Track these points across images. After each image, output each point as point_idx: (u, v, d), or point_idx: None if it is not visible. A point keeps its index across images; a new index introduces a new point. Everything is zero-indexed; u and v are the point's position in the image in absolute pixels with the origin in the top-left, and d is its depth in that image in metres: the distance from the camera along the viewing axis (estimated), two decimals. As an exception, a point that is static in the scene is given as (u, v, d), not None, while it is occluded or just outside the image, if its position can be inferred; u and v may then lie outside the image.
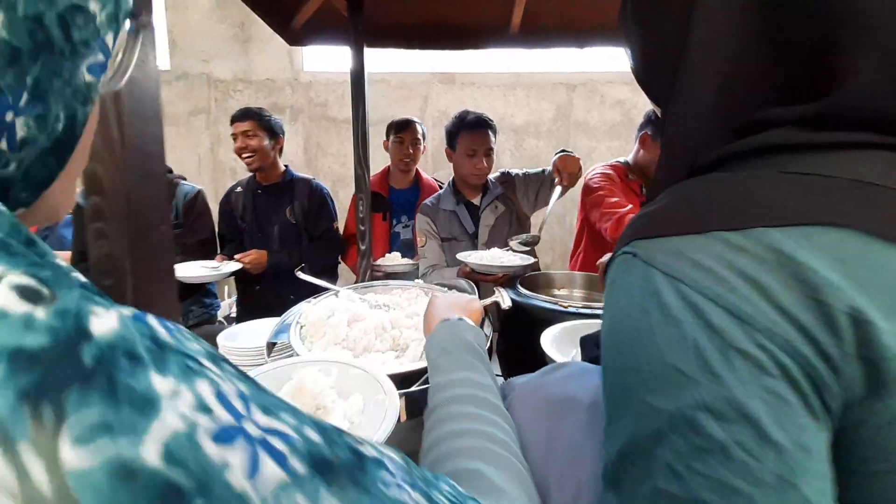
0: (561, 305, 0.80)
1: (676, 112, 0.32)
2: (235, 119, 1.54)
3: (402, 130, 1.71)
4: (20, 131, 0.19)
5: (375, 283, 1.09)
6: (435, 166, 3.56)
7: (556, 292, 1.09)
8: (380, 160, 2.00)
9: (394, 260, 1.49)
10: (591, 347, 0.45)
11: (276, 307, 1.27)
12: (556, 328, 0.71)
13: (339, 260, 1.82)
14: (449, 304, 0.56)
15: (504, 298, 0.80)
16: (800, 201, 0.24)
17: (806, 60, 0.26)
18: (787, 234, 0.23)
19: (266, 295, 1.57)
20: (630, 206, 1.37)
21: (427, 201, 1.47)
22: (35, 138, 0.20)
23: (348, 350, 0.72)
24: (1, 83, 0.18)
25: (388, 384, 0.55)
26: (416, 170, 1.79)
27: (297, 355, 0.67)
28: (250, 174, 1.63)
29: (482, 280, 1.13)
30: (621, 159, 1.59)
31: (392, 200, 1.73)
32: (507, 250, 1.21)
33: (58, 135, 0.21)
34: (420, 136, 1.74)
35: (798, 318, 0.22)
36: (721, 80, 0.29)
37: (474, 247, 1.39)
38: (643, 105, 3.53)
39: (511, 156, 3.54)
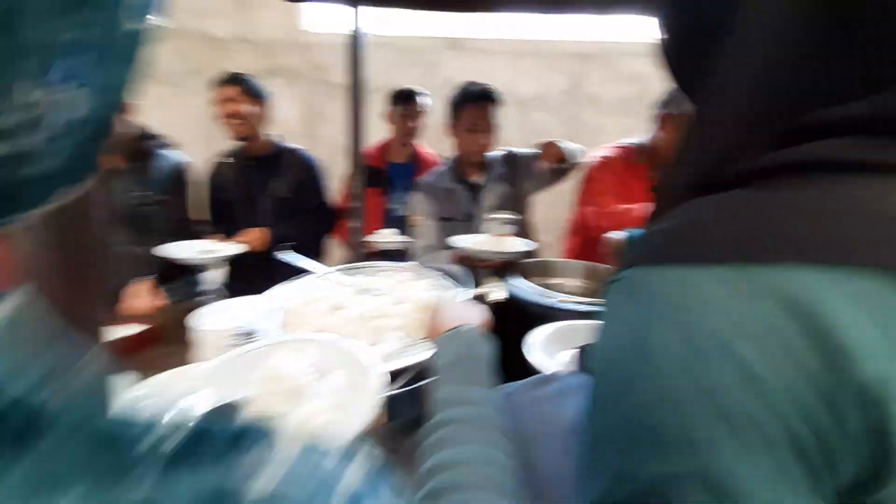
0: (559, 300, 0.76)
1: (707, 104, 0.26)
2: (220, 84, 1.45)
3: (407, 102, 1.63)
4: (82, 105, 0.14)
5: (365, 264, 1.04)
6: (438, 134, 3.45)
7: (553, 282, 1.04)
8: (381, 131, 1.91)
9: (387, 237, 1.44)
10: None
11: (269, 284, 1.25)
12: (547, 329, 0.67)
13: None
14: (461, 311, 0.52)
15: (498, 289, 0.76)
16: (843, 236, 0.20)
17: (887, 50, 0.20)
18: (821, 276, 0.19)
19: (258, 271, 1.51)
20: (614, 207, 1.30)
21: (425, 177, 1.40)
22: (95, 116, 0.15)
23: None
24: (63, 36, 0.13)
25: (367, 360, 0.53)
26: (416, 144, 1.71)
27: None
28: (238, 145, 1.55)
29: (478, 266, 1.09)
30: (634, 140, 1.48)
31: (390, 175, 1.66)
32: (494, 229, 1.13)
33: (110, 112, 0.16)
34: (424, 110, 1.66)
35: (819, 381, 0.18)
36: (769, 71, 0.23)
37: (472, 230, 1.33)
38: (662, 80, 3.36)
39: (518, 130, 3.40)
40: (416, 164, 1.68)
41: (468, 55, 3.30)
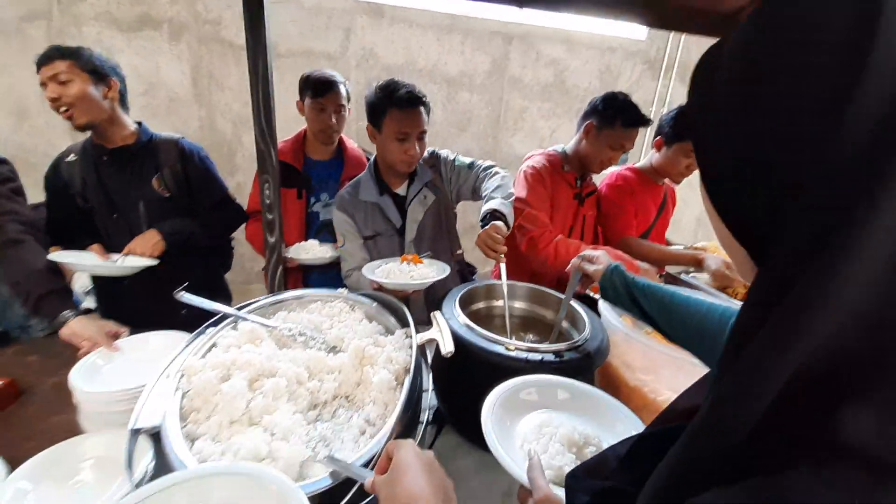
0: (506, 348, 0.71)
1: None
2: (40, 63, 1.08)
3: (323, 93, 1.35)
4: None
5: (288, 295, 0.89)
6: (359, 114, 3.17)
7: (495, 306, 0.99)
8: (292, 106, 1.63)
9: (310, 250, 1.26)
10: (579, 495, 0.36)
11: (154, 310, 1.01)
12: (499, 392, 0.61)
13: (232, 248, 1.51)
14: (416, 485, 0.39)
15: (444, 338, 0.68)
16: None
17: None
18: None
19: (138, 293, 1.21)
20: (548, 232, 1.32)
21: (344, 192, 1.21)
22: None
23: (252, 426, 0.56)
24: None
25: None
26: (340, 137, 1.49)
27: (176, 459, 0.48)
28: (86, 136, 1.19)
29: (401, 295, 1.00)
30: (559, 147, 1.49)
31: (310, 174, 1.41)
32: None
33: None
34: (344, 102, 1.40)
35: None
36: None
37: (402, 244, 1.22)
38: (576, 66, 3.46)
39: (443, 109, 3.28)
40: (341, 159, 1.46)
41: (389, 24, 3.01)
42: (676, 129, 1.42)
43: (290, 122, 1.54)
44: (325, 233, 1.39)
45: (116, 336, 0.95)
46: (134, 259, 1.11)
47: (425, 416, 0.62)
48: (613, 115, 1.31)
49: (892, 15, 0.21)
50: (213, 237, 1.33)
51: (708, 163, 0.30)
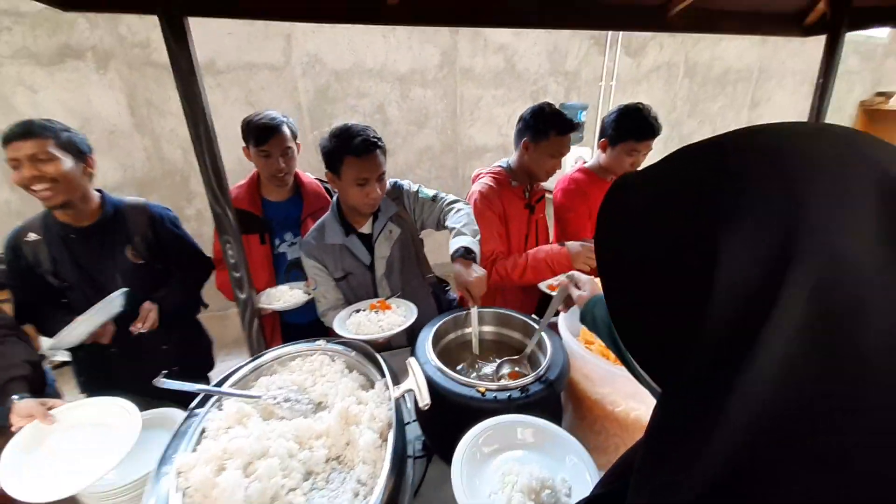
0: (478, 391, 0.78)
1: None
2: (10, 139, 1.02)
3: (266, 140, 1.32)
4: None
5: (266, 358, 0.92)
6: (313, 124, 3.09)
7: (467, 331, 1.06)
8: (235, 118, 1.57)
9: (282, 296, 1.28)
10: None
11: (141, 373, 1.02)
12: (464, 445, 0.68)
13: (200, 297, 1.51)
14: None
15: (421, 390, 0.75)
16: None
17: None
18: None
19: (123, 359, 1.24)
20: (501, 253, 1.42)
21: (309, 238, 1.22)
22: None
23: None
24: None
25: None
26: (296, 173, 1.47)
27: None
28: (44, 211, 1.16)
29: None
30: (503, 163, 1.55)
31: (269, 217, 1.41)
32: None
33: None
34: (291, 143, 1.37)
35: None
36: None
37: (373, 279, 1.26)
38: (523, 50, 3.47)
39: (398, 107, 3.25)
40: (300, 198, 1.46)
41: (330, 26, 2.92)
42: (618, 131, 1.50)
43: (237, 140, 1.50)
44: (294, 272, 1.41)
45: (51, 407, 0.93)
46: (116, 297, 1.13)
47: (412, 452, 0.68)
48: (545, 128, 1.38)
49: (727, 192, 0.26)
50: (190, 295, 1.37)
51: (613, 303, 0.35)
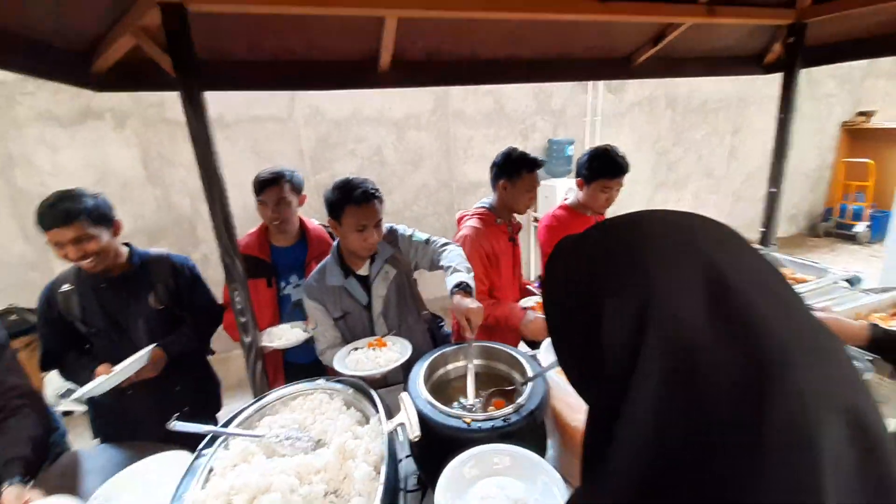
0: (465, 422, 0.84)
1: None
2: (52, 225, 1.12)
3: (262, 191, 1.46)
4: None
5: (269, 398, 0.99)
6: (314, 168, 3.27)
7: (459, 365, 1.12)
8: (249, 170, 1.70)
9: (283, 335, 1.36)
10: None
11: (156, 415, 1.03)
12: (447, 476, 0.75)
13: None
14: None
15: (411, 423, 0.81)
16: None
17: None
18: None
19: (139, 401, 1.32)
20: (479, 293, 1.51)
21: (311, 280, 1.32)
22: None
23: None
24: None
25: None
26: (300, 219, 1.58)
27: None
28: (74, 265, 1.28)
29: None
30: (485, 203, 1.68)
31: (276, 262, 1.52)
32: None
33: None
34: (288, 194, 1.48)
35: None
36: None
37: (370, 318, 1.34)
38: (511, 92, 3.69)
39: (394, 149, 3.43)
40: (305, 243, 1.56)
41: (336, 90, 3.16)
42: (591, 171, 1.62)
43: (243, 187, 1.62)
44: (296, 311, 1.49)
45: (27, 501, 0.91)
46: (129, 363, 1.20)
47: (405, 486, 0.74)
48: (518, 168, 1.53)
49: (609, 275, 0.35)
50: (203, 339, 1.46)
51: (552, 339, 0.43)
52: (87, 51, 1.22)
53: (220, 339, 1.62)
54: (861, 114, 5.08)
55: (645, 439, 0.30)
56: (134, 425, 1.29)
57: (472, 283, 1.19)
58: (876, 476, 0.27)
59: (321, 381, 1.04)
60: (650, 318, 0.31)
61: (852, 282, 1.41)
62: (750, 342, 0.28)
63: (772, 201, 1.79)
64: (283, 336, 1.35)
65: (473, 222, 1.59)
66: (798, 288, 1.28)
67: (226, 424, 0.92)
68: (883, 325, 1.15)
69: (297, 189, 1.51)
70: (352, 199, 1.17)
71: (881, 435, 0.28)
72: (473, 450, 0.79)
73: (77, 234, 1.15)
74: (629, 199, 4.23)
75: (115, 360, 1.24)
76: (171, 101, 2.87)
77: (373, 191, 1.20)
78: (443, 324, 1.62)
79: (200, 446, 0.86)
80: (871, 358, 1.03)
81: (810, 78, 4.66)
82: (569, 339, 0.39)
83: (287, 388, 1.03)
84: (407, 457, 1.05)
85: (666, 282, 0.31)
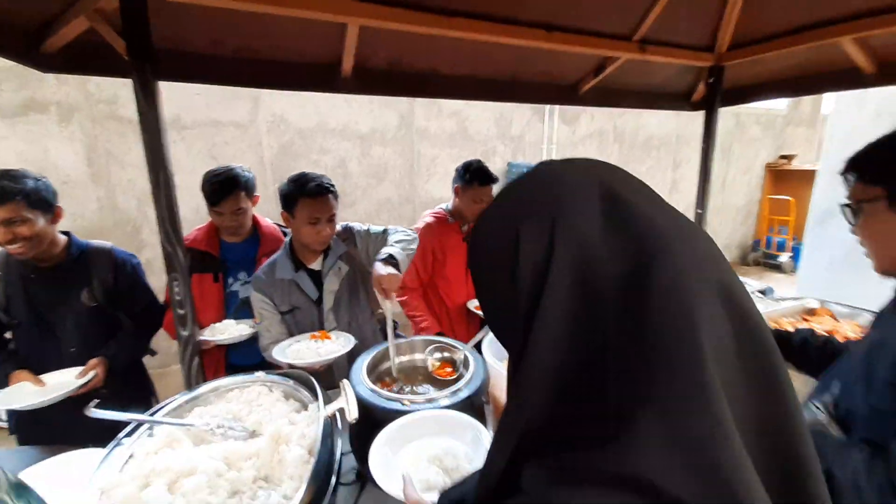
0: (403, 404, 0.86)
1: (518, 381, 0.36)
2: None
3: (217, 202, 1.39)
4: None
5: (202, 390, 0.96)
6: (275, 177, 3.22)
7: (404, 359, 1.14)
8: (198, 169, 1.67)
9: (225, 329, 1.31)
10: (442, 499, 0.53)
11: (80, 419, 1.00)
12: (383, 435, 0.77)
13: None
14: None
15: (350, 407, 0.81)
16: None
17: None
18: None
19: (62, 406, 1.20)
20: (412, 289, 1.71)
21: (260, 273, 1.31)
22: None
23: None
24: None
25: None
26: (253, 216, 1.56)
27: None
28: (2, 249, 1.19)
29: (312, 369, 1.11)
30: (444, 206, 1.86)
31: (225, 257, 1.47)
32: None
33: None
34: (245, 202, 1.44)
35: None
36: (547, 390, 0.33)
37: (320, 314, 1.33)
38: (474, 116, 3.87)
39: (359, 163, 3.47)
40: (257, 239, 1.53)
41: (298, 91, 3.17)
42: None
43: (195, 191, 1.58)
44: (244, 310, 1.45)
45: None
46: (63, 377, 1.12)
47: (335, 479, 0.73)
48: (470, 178, 1.67)
49: (527, 237, 0.38)
50: (140, 346, 1.39)
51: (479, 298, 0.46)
52: (39, 30, 1.18)
53: (158, 355, 1.54)
54: (783, 157, 5.74)
55: (556, 342, 0.32)
56: (57, 430, 1.17)
57: (400, 256, 1.23)
58: (749, 342, 0.30)
59: (260, 374, 1.02)
60: (557, 233, 0.34)
61: (765, 293, 1.59)
62: (635, 234, 0.33)
63: (699, 221, 1.97)
64: (226, 331, 1.31)
65: (427, 219, 1.68)
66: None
67: (152, 415, 0.87)
68: (790, 328, 1.30)
69: (251, 192, 1.49)
70: (306, 191, 1.19)
71: (751, 308, 0.32)
72: (410, 415, 0.81)
73: (9, 214, 1.08)
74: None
75: (38, 358, 1.15)
76: (124, 99, 2.77)
77: (328, 185, 1.22)
78: (398, 326, 1.63)
79: (121, 435, 0.81)
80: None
81: (739, 122, 5.24)
82: (490, 276, 0.42)
83: (222, 380, 1.00)
84: (347, 452, 1.04)
85: (570, 202, 0.36)
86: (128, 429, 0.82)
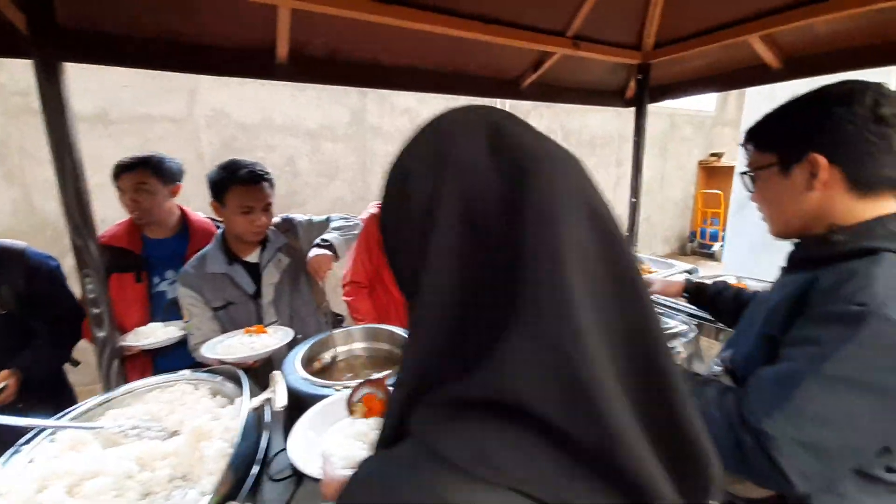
0: (335, 390, 0.84)
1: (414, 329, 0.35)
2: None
3: (118, 177, 1.31)
4: None
5: (118, 391, 0.88)
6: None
7: (340, 350, 1.11)
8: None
9: (151, 333, 1.22)
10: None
11: None
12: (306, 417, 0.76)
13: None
14: None
15: (278, 395, 0.78)
16: None
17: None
18: None
19: None
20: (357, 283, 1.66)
21: (188, 267, 1.22)
22: None
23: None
24: None
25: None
26: (182, 210, 1.46)
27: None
28: None
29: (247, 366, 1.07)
30: None
31: (149, 254, 1.36)
32: None
33: None
34: (151, 181, 1.33)
35: None
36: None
37: (258, 308, 1.27)
38: (427, 114, 3.87)
39: (309, 160, 3.36)
40: (186, 235, 1.43)
41: (238, 84, 3.02)
42: None
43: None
44: (173, 310, 1.36)
45: None
46: None
47: (257, 469, 0.70)
48: None
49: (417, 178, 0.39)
50: (59, 357, 1.28)
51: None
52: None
53: (82, 370, 1.41)
54: (713, 154, 6.23)
55: (444, 278, 0.32)
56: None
57: (337, 242, 1.21)
58: (615, 262, 0.31)
59: (185, 372, 0.96)
60: (444, 167, 0.34)
61: (691, 272, 1.71)
62: (513, 157, 0.33)
63: (633, 209, 2.09)
64: (151, 335, 1.21)
65: (372, 209, 1.62)
66: (651, 276, 1.51)
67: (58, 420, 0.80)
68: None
69: (167, 177, 1.39)
70: (237, 178, 1.13)
71: (618, 232, 0.33)
72: (333, 397, 0.80)
73: None
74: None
75: None
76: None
77: (262, 172, 1.17)
78: (343, 321, 1.59)
79: (20, 441, 0.73)
80: (697, 323, 1.25)
81: (673, 123, 5.62)
82: (391, 225, 0.41)
83: (141, 381, 0.93)
84: (282, 451, 1.00)
85: (456, 136, 0.36)
86: (28, 435, 0.74)
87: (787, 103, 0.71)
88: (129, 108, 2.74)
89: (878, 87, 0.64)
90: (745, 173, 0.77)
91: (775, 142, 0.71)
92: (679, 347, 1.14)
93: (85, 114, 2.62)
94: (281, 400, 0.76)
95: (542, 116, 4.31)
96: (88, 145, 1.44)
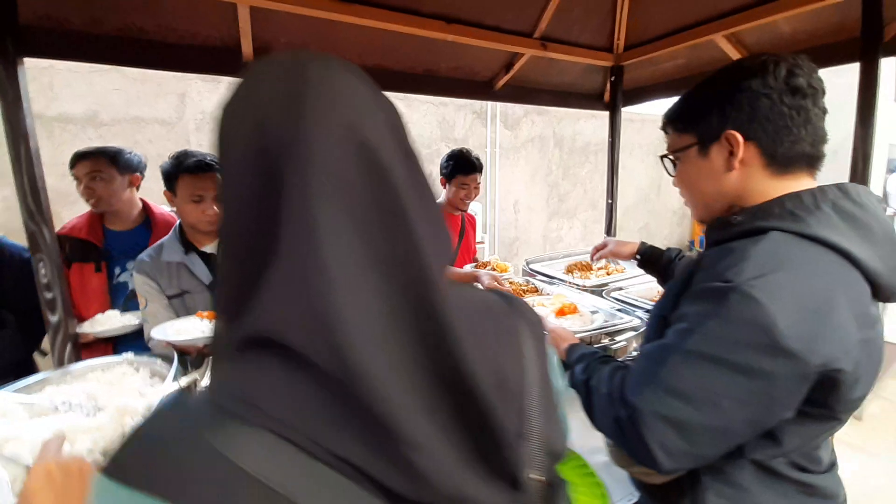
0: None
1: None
2: None
3: (74, 164, 1.37)
4: None
5: (59, 370, 0.90)
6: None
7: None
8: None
9: (107, 321, 1.23)
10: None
11: None
12: None
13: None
14: None
15: (206, 375, 0.79)
16: None
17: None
18: None
19: None
20: None
21: (144, 255, 1.24)
22: None
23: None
24: None
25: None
26: (144, 203, 1.49)
27: None
28: None
29: (193, 351, 1.07)
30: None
31: (110, 246, 1.39)
32: None
33: None
34: (106, 169, 1.37)
35: None
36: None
37: (214, 298, 1.28)
38: (416, 119, 3.92)
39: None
40: (148, 227, 1.47)
41: (227, 88, 3.09)
42: (449, 169, 1.84)
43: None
44: (133, 302, 1.37)
45: None
46: None
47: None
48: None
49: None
50: (30, 344, 1.29)
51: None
52: None
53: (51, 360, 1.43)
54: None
55: (234, 230, 0.33)
56: None
57: None
58: (384, 195, 0.30)
59: (128, 355, 0.97)
60: (240, 109, 0.33)
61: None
62: (292, 88, 0.32)
63: (609, 211, 2.09)
64: (107, 322, 1.23)
65: None
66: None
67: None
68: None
69: (123, 167, 1.42)
70: (184, 167, 1.15)
71: (393, 165, 0.31)
72: None
73: None
74: (528, 225, 4.61)
75: None
76: (33, 92, 2.59)
77: (211, 161, 1.19)
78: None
79: (-58, 416, 0.74)
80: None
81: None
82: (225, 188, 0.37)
83: (83, 362, 0.94)
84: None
85: (256, 79, 0.34)
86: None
87: (703, 81, 0.68)
88: (119, 110, 2.81)
89: (794, 58, 0.61)
90: (664, 156, 0.77)
91: (693, 121, 0.68)
92: (624, 342, 1.13)
93: (76, 116, 2.69)
94: (206, 381, 0.77)
95: (534, 123, 4.34)
96: (78, 147, 1.49)
